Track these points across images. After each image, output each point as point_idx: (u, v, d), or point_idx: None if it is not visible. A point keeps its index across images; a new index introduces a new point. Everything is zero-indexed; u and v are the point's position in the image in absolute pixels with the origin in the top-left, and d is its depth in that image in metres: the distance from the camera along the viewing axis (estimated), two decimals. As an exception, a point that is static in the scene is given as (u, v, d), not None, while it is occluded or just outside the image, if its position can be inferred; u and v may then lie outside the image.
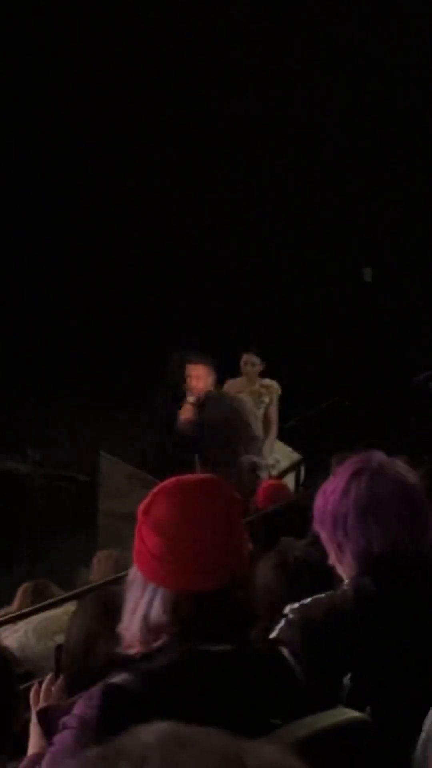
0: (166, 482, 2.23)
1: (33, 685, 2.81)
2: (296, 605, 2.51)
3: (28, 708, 2.79)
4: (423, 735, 1.89)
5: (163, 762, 0.82)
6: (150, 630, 2.13)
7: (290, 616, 2.48)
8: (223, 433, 8.01)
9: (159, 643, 2.12)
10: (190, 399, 7.99)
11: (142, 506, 2.20)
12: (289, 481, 8.93)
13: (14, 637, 4.56)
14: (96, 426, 11.20)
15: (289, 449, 9.51)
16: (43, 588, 5.45)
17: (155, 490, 2.22)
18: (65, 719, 2.25)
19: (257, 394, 9.29)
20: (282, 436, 9.51)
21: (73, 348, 12.45)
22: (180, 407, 8.22)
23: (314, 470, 7.61)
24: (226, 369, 9.18)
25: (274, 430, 9.39)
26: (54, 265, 13.02)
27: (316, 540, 2.80)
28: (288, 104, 12.22)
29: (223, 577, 2.11)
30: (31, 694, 2.77)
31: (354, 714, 2.08)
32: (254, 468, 8.40)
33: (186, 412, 7.98)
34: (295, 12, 12.14)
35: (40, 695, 2.74)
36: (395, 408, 10.35)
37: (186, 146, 12.49)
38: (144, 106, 12.61)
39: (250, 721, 1.85)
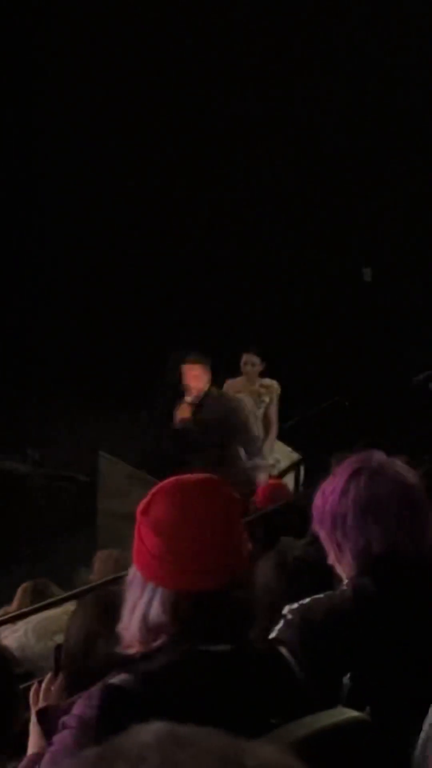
0: (165, 482, 2.23)
1: (32, 684, 2.81)
2: (295, 606, 2.51)
3: (27, 708, 2.78)
4: (423, 735, 1.89)
5: (161, 762, 0.82)
6: (149, 630, 2.13)
7: (289, 616, 2.48)
8: (220, 433, 8.00)
9: (158, 642, 2.12)
10: (188, 399, 7.98)
11: (141, 506, 2.19)
12: (289, 480, 8.93)
13: (14, 636, 4.56)
14: (96, 426, 11.19)
15: (289, 449, 9.50)
16: (42, 588, 5.45)
17: (154, 489, 2.22)
18: (65, 719, 2.25)
19: (257, 393, 9.29)
20: (282, 436, 9.50)
21: (73, 348, 12.46)
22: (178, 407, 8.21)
23: (314, 470, 7.61)
24: (226, 369, 9.18)
25: (274, 429, 9.38)
26: (54, 265, 13.02)
27: (315, 540, 2.80)
28: (288, 104, 12.22)
29: (222, 577, 2.11)
30: (31, 693, 2.76)
31: (353, 714, 2.08)
32: (255, 468, 8.41)
33: (183, 412, 7.97)
34: (295, 12, 12.14)
35: (39, 695, 2.74)
36: (395, 408, 10.35)
37: (186, 146, 12.49)
38: (144, 106, 12.61)
39: (249, 721, 1.85)
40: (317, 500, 2.65)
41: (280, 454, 9.43)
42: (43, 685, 2.76)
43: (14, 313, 12.87)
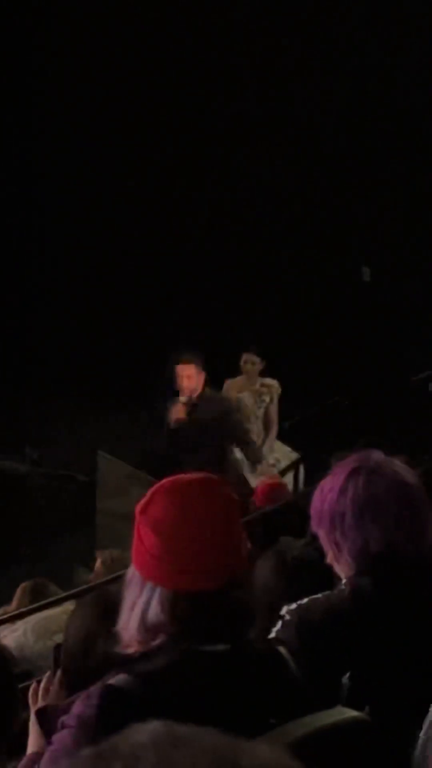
0: (164, 481, 2.23)
1: (31, 684, 2.81)
2: (293, 606, 2.51)
3: (26, 707, 2.78)
4: (422, 734, 1.88)
5: (156, 761, 0.82)
6: (148, 629, 2.13)
7: (287, 617, 2.48)
8: (216, 433, 8.01)
9: (157, 642, 2.12)
10: (182, 399, 7.98)
11: (139, 505, 2.19)
12: (288, 480, 8.93)
13: (13, 636, 4.56)
14: (95, 425, 11.20)
15: (288, 449, 9.51)
16: (41, 587, 5.45)
17: (153, 489, 2.21)
18: (64, 718, 2.25)
19: (258, 393, 9.29)
20: (281, 436, 9.51)
21: (73, 348, 12.46)
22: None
23: (314, 470, 7.61)
24: (226, 369, 9.18)
25: (274, 429, 9.39)
26: (54, 265, 13.02)
27: (314, 539, 2.80)
28: (288, 104, 12.22)
29: (221, 577, 2.11)
30: (30, 693, 2.76)
31: (353, 713, 2.08)
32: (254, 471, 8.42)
33: (178, 412, 7.97)
34: (295, 12, 12.14)
35: (38, 695, 2.74)
36: (395, 408, 10.35)
37: (186, 146, 12.49)
38: (144, 106, 12.61)
39: (248, 720, 1.85)
40: (316, 500, 2.64)
41: (279, 454, 9.44)
42: (42, 684, 2.76)
43: (14, 313, 12.87)
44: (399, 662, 2.43)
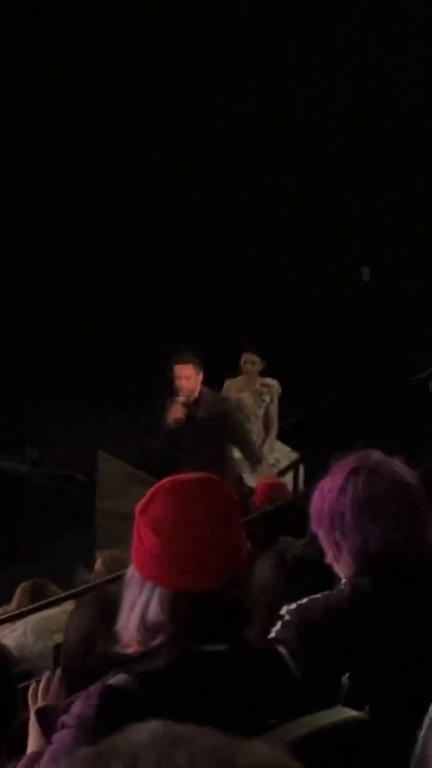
0: (163, 481, 2.22)
1: (31, 684, 2.81)
2: (293, 606, 2.51)
3: (26, 707, 2.78)
4: (422, 734, 1.88)
5: (155, 761, 0.82)
6: (147, 629, 2.13)
7: (287, 617, 2.48)
8: (215, 433, 8.01)
9: (156, 642, 2.12)
10: (180, 399, 7.97)
11: (139, 505, 2.19)
12: (288, 480, 8.93)
13: (13, 636, 4.56)
14: (95, 425, 11.20)
15: (288, 449, 9.51)
16: (41, 587, 5.45)
17: (153, 489, 2.21)
18: (64, 718, 2.25)
19: (258, 393, 9.29)
20: (281, 436, 9.51)
21: (72, 347, 12.46)
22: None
23: (313, 470, 7.61)
24: (226, 369, 9.18)
25: (274, 429, 9.38)
26: (54, 265, 13.02)
27: (314, 539, 2.80)
28: (288, 104, 12.22)
29: (221, 577, 2.11)
30: (30, 693, 2.76)
31: (352, 713, 2.08)
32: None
33: (176, 412, 7.97)
34: (295, 12, 12.14)
35: (38, 694, 2.74)
36: (395, 408, 10.35)
37: (186, 146, 12.50)
38: (144, 106, 12.61)
39: (247, 720, 1.85)
40: (315, 499, 2.64)
41: (279, 454, 9.44)
42: (42, 684, 2.76)
43: (14, 313, 12.87)
44: (399, 662, 2.43)
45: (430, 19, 11.55)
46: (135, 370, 11.36)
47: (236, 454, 8.44)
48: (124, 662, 2.11)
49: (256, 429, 9.19)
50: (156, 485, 2.23)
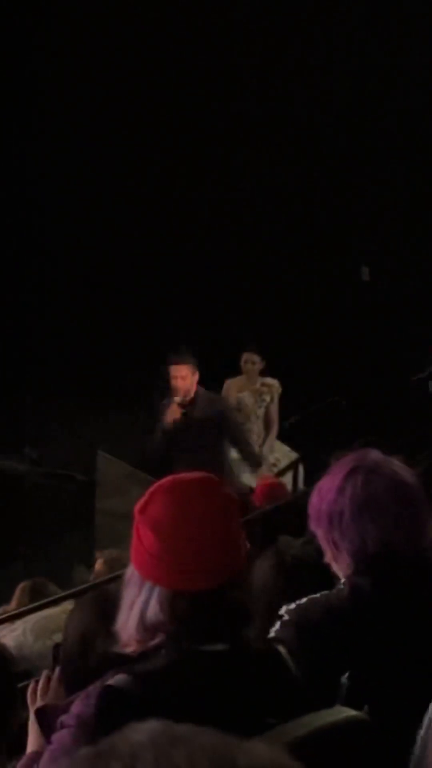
0: (163, 481, 2.22)
1: (30, 683, 2.81)
2: (292, 606, 2.51)
3: (25, 707, 2.78)
4: (421, 734, 1.88)
5: (154, 760, 0.82)
6: (146, 629, 2.13)
7: (286, 617, 2.48)
8: (212, 433, 8.00)
9: (156, 641, 2.12)
10: (177, 399, 7.97)
11: (138, 505, 2.19)
12: (287, 480, 8.93)
13: (12, 636, 4.56)
14: (94, 425, 11.20)
15: (288, 448, 9.50)
16: (41, 587, 5.45)
17: (152, 488, 2.21)
18: (63, 718, 2.25)
19: (258, 392, 9.29)
20: (281, 436, 9.50)
21: (72, 347, 12.45)
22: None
23: (313, 470, 7.60)
24: (226, 369, 9.18)
25: (274, 429, 9.38)
26: (54, 265, 13.02)
27: (313, 539, 2.80)
28: (288, 104, 12.22)
29: (220, 577, 2.11)
30: (29, 692, 2.76)
31: (352, 713, 2.08)
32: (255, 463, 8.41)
33: (173, 413, 7.97)
34: (295, 12, 12.14)
35: (37, 694, 2.74)
36: (394, 408, 10.35)
37: (186, 146, 12.49)
38: (144, 106, 12.61)
39: (247, 720, 1.85)
40: (314, 499, 2.64)
41: (279, 454, 9.44)
42: (41, 684, 2.76)
43: (14, 313, 12.86)
44: (398, 662, 2.43)
45: (430, 19, 11.55)
46: (135, 370, 11.35)
47: (234, 454, 8.43)
48: (123, 662, 2.11)
49: (256, 429, 9.19)
50: (155, 485, 2.23)
